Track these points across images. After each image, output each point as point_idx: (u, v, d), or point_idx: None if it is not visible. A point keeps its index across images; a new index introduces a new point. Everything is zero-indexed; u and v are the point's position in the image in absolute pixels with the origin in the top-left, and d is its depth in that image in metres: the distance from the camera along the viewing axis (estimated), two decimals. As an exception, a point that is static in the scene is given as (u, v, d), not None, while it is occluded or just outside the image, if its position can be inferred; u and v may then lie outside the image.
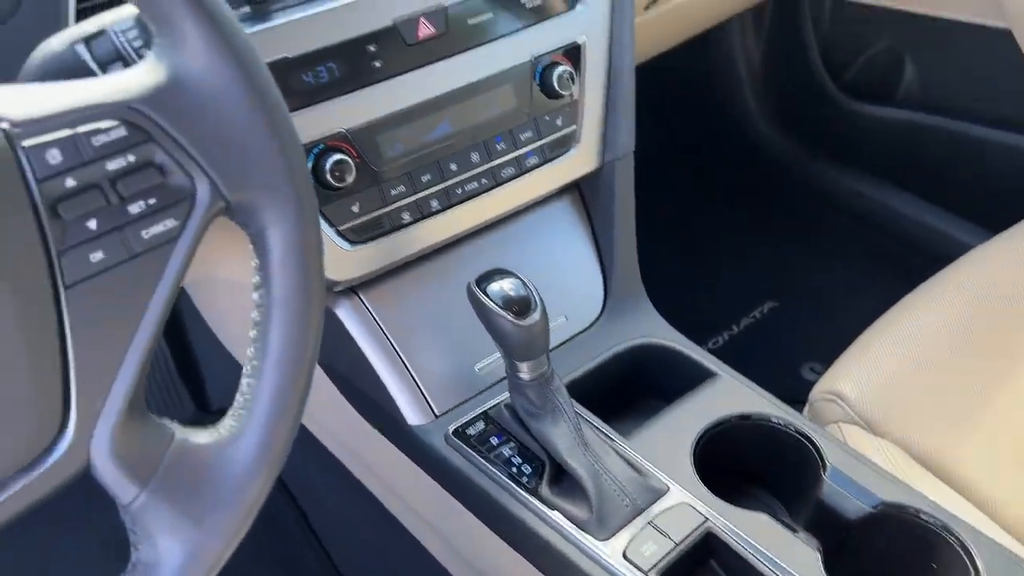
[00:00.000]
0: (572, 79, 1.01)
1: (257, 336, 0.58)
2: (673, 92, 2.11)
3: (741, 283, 1.99)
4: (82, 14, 0.76)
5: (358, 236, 0.91)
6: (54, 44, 0.61)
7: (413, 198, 0.96)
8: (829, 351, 1.16)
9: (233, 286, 1.02)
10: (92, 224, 0.49)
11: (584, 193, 1.12)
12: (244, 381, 0.58)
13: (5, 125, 0.47)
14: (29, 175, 0.47)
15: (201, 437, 0.57)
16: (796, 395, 1.08)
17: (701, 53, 2.07)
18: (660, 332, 1.06)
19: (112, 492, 0.54)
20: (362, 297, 0.98)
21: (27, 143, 0.47)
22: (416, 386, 0.98)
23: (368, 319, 0.98)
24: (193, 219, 0.52)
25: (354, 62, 0.89)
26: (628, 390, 1.05)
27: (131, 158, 0.50)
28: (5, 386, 0.48)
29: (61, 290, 0.49)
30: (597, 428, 0.92)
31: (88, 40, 0.60)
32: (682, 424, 0.93)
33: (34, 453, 0.50)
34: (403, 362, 0.98)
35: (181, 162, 0.50)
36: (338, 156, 0.79)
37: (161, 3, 0.48)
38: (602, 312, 1.09)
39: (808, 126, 2.09)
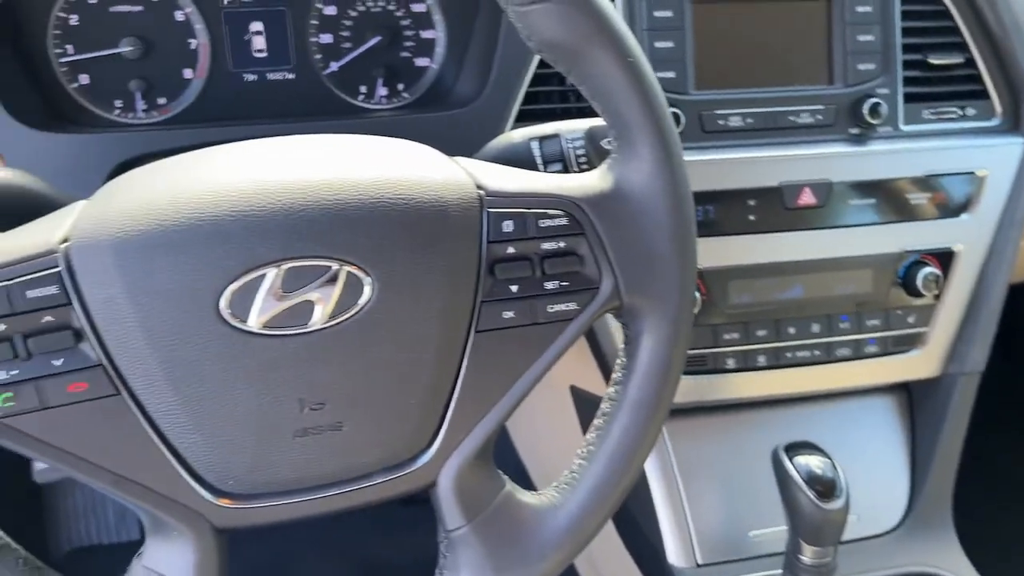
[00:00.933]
0: (937, 282, 0.99)
1: (601, 425, 0.62)
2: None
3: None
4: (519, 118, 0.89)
5: (681, 367, 0.94)
6: (515, 136, 0.72)
7: (743, 348, 0.98)
8: None
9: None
10: (514, 288, 0.57)
11: (914, 395, 1.08)
12: (577, 461, 0.63)
13: (482, 192, 0.57)
14: (484, 234, 0.56)
15: (525, 496, 0.62)
16: None
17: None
18: (961, 571, 0.97)
19: (441, 516, 0.60)
20: (664, 426, 1.01)
21: (492, 210, 0.56)
22: (688, 530, 0.98)
23: (663, 449, 1.01)
24: (591, 307, 0.58)
25: (732, 209, 0.95)
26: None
27: (562, 244, 0.57)
28: (404, 398, 0.56)
29: (472, 332, 0.56)
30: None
31: (542, 139, 0.71)
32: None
33: (399, 459, 0.58)
34: (683, 502, 0.98)
35: (598, 258, 0.57)
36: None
37: (631, 129, 0.56)
38: (899, 525, 1.02)
39: None
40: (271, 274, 0.51)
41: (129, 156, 0.86)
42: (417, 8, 1.00)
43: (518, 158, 0.71)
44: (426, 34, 1.01)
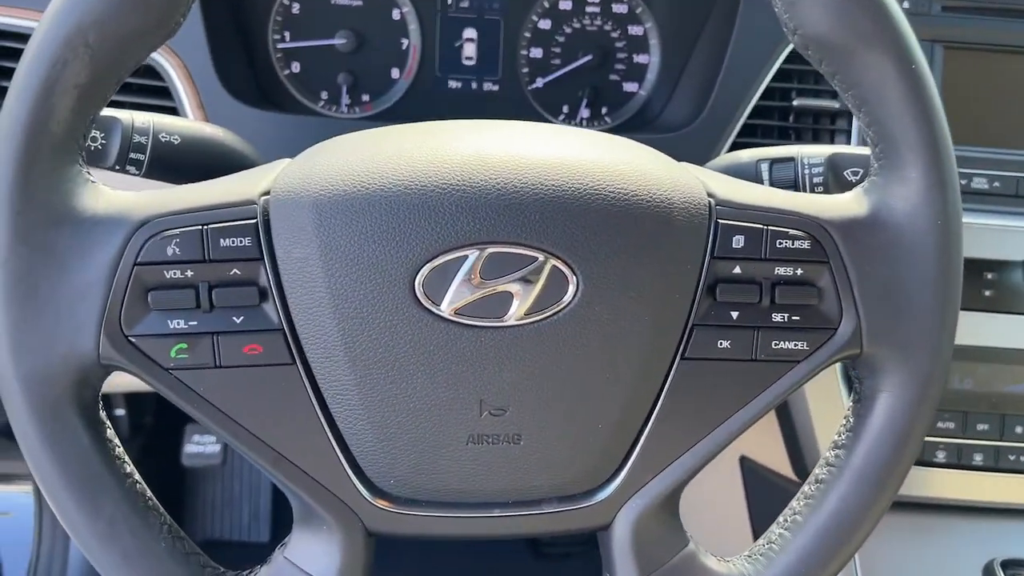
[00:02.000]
0: None
1: (812, 493, 0.53)
2: None
3: None
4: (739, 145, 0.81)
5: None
6: (743, 156, 0.65)
7: (958, 441, 0.85)
8: None
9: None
10: (735, 314, 0.49)
11: None
12: (777, 531, 0.54)
13: (712, 200, 0.50)
14: (709, 247, 0.48)
15: (711, 561, 0.53)
16: None
17: None
18: None
19: (611, 565, 0.53)
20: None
21: (722, 221, 0.48)
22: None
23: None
24: (823, 351, 0.49)
25: (965, 281, 0.83)
26: None
27: (799, 271, 0.49)
28: (592, 419, 0.49)
29: (678, 358, 0.49)
30: None
31: (774, 162, 0.63)
32: None
33: (575, 489, 0.51)
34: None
35: (840, 294, 0.49)
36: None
37: (900, 148, 0.47)
38: None
39: None
40: (472, 257, 0.46)
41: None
42: (634, 31, 0.95)
43: (744, 179, 0.64)
44: (639, 58, 0.96)
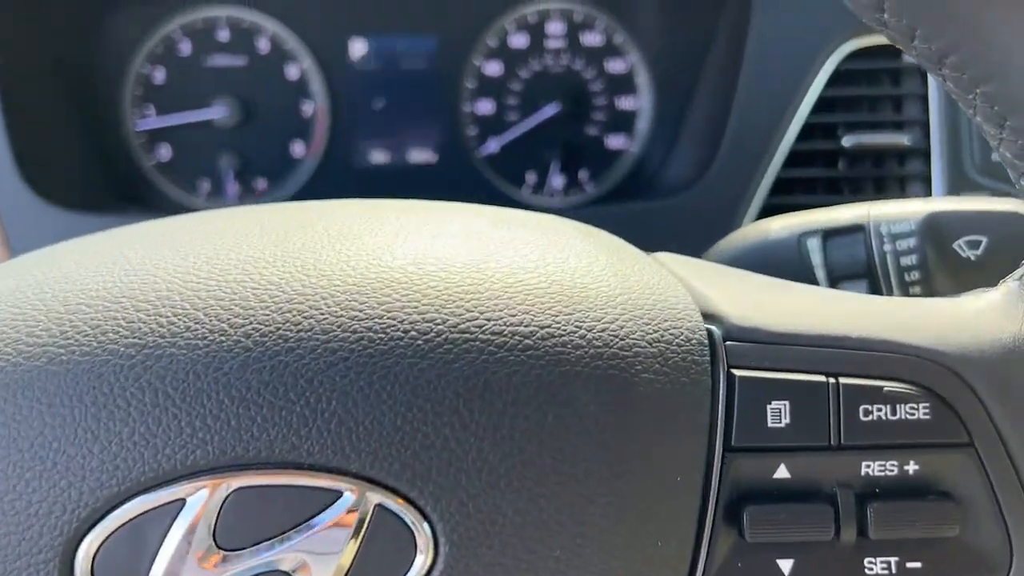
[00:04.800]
0: None
1: None
2: None
3: None
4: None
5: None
6: (773, 228, 0.39)
7: None
8: None
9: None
10: (785, 568, 0.22)
11: None
12: None
13: (716, 330, 0.24)
14: (720, 434, 0.22)
15: None
16: None
17: None
18: None
19: None
20: None
21: (742, 373, 0.22)
22: None
23: None
24: None
25: None
26: None
27: (914, 467, 0.24)
28: None
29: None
30: None
31: (827, 234, 0.37)
32: None
33: None
34: None
35: (1003, 509, 0.22)
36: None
37: None
38: None
39: None
40: (196, 502, 0.20)
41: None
42: (614, 67, 0.71)
43: (777, 265, 0.38)
44: (624, 103, 0.71)
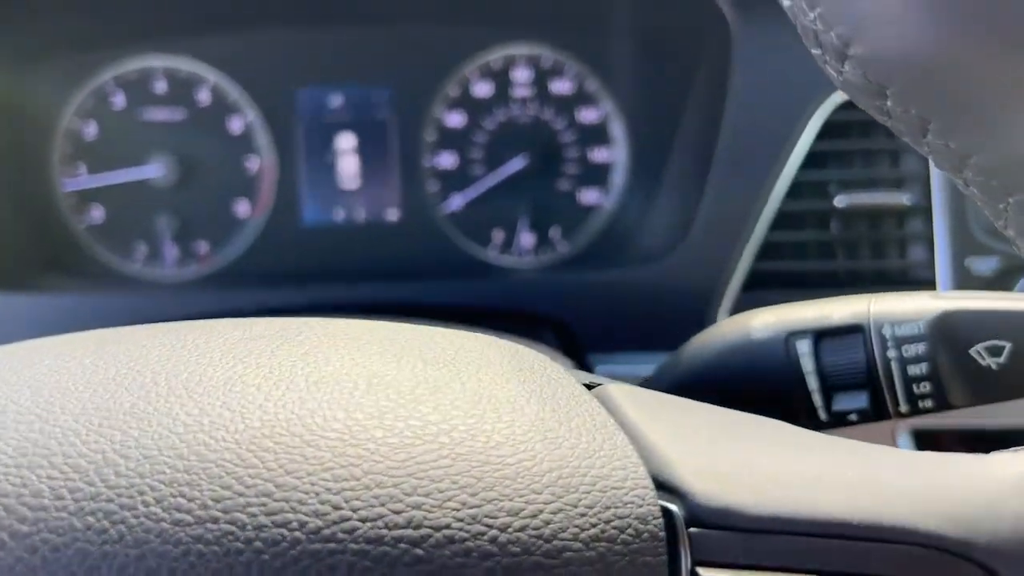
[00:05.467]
0: None
1: None
2: None
3: None
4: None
5: None
6: (755, 325, 0.33)
7: None
8: None
9: None
10: None
11: None
12: None
13: (678, 510, 0.18)
14: None
15: None
16: None
17: None
18: None
19: None
20: None
21: (706, 574, 0.15)
22: None
23: None
24: None
25: None
26: None
27: None
28: None
29: None
30: None
31: (819, 335, 0.31)
32: None
33: None
34: None
35: None
36: None
37: None
38: None
39: None
40: None
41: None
42: (587, 116, 0.65)
43: (762, 370, 0.32)
44: (597, 155, 0.66)
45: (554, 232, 0.67)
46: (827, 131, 0.55)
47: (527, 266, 0.67)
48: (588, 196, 0.67)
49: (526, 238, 0.67)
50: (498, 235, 0.67)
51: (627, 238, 0.64)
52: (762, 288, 0.54)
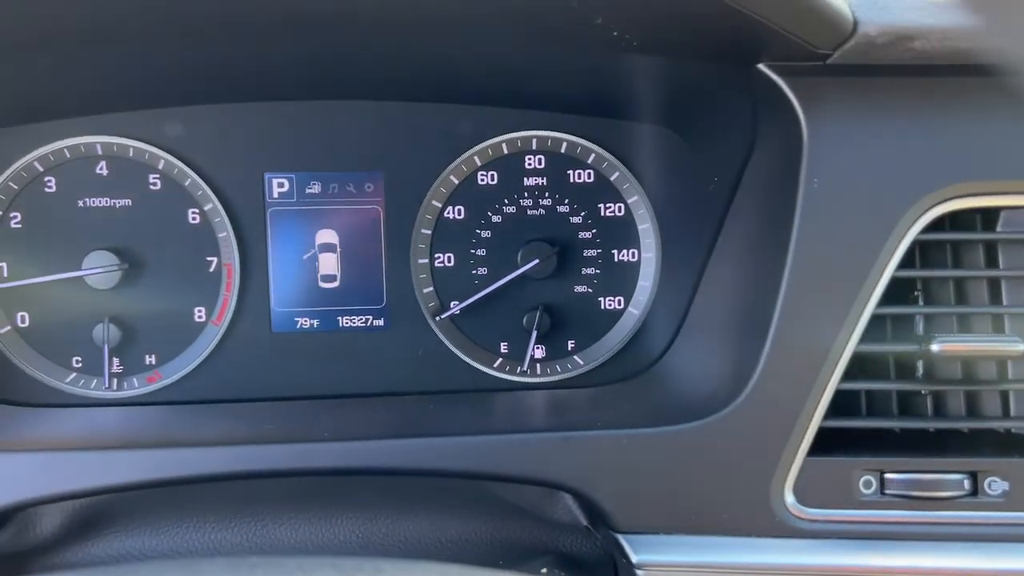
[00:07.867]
0: None
1: None
2: None
3: None
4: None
5: None
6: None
7: None
8: None
9: None
10: None
11: None
12: None
13: None
14: None
15: None
16: None
17: None
18: None
19: None
20: None
21: None
22: None
23: None
24: None
25: None
26: None
27: None
28: None
29: None
30: None
31: None
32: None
33: None
34: None
35: None
36: None
37: None
38: None
39: None
40: None
41: (75, 485, 0.45)
42: (610, 210, 0.55)
43: None
44: (623, 254, 0.56)
45: (570, 343, 0.57)
46: (913, 254, 0.44)
47: (532, 378, 0.56)
48: (609, 302, 0.56)
49: (535, 350, 0.57)
50: (503, 347, 0.57)
51: (654, 354, 0.54)
52: (830, 451, 0.43)
